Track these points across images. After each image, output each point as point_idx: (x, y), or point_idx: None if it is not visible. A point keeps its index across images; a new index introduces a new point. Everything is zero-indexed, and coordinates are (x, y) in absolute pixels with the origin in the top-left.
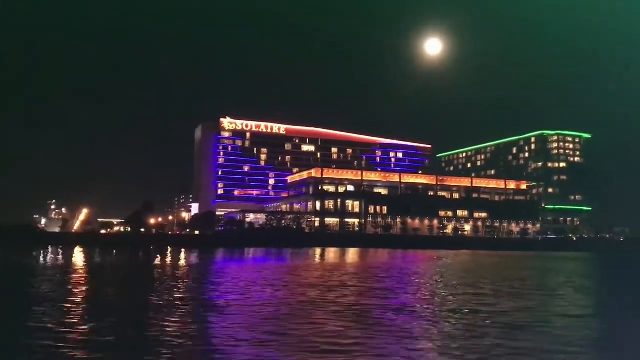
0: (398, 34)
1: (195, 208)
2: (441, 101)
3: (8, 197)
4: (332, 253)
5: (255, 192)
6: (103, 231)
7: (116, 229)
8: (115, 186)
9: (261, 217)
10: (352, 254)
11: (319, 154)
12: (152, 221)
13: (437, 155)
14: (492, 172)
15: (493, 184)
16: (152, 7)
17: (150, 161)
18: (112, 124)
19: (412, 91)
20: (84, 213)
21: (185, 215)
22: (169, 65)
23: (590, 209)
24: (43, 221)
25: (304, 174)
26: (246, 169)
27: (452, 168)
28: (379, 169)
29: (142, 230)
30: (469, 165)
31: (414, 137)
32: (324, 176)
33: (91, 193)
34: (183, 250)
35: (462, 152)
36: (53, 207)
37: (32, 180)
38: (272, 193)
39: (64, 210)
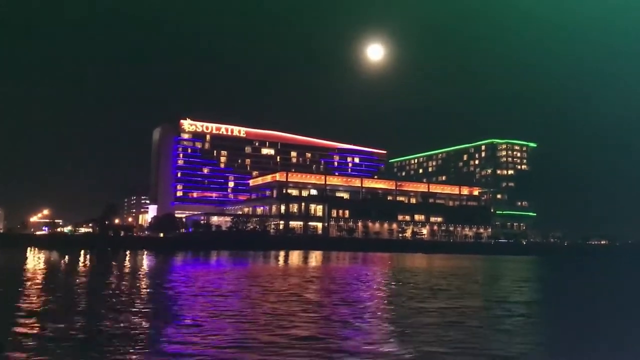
0: (339, 38)
1: (152, 210)
2: (387, 107)
3: None
4: (296, 256)
5: (214, 195)
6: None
7: (82, 230)
8: (60, 186)
9: (226, 220)
10: (316, 257)
11: (278, 158)
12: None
13: (390, 161)
14: (444, 177)
15: (448, 189)
16: (116, 4)
17: (102, 161)
18: (61, 121)
19: (356, 96)
20: (43, 213)
21: (145, 217)
22: (127, 64)
23: (535, 214)
24: None
25: (268, 178)
26: (205, 171)
27: (403, 173)
28: (337, 173)
29: (110, 232)
30: (420, 170)
31: (367, 142)
32: (288, 180)
33: (38, 193)
34: (146, 253)
35: (414, 158)
36: None
37: None
38: (231, 196)
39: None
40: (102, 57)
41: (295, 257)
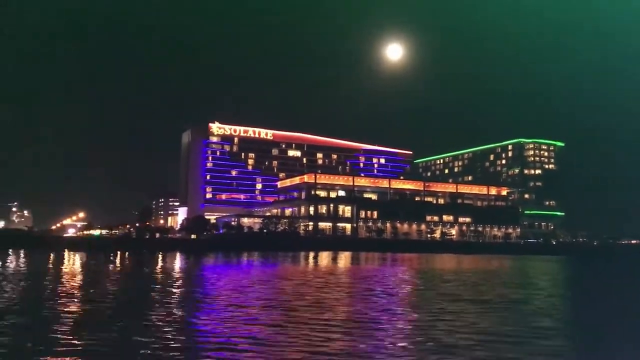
0: (360, 39)
1: (182, 212)
2: (411, 107)
3: None
4: (330, 257)
5: (242, 196)
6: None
7: (109, 232)
8: (92, 190)
9: (255, 222)
10: (346, 258)
11: (304, 159)
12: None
13: (415, 161)
14: (470, 177)
15: (476, 189)
16: (143, 10)
17: (131, 165)
18: (93, 126)
19: (379, 97)
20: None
21: (176, 219)
22: (155, 70)
23: (563, 214)
24: (1, 223)
25: (296, 179)
26: (234, 173)
27: (429, 174)
28: (363, 174)
29: (146, 234)
30: (446, 171)
31: (392, 142)
32: (316, 181)
33: (69, 197)
34: (178, 254)
35: (440, 158)
36: (14, 209)
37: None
38: (259, 197)
39: (25, 212)
40: (132, 61)
41: (329, 258)
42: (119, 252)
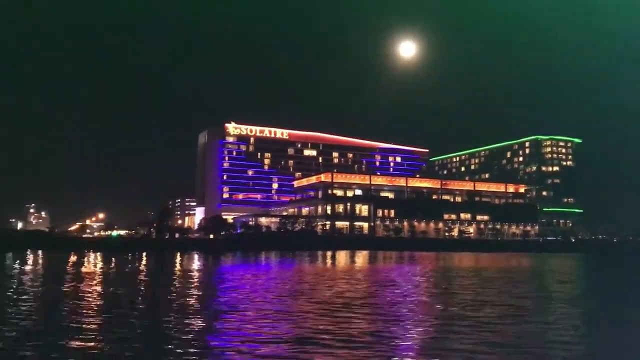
0: (371, 37)
1: (199, 212)
2: (425, 105)
3: None
4: (350, 256)
5: (259, 196)
6: (118, 233)
7: (123, 232)
8: (109, 191)
9: (272, 221)
10: (366, 257)
11: (320, 159)
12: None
13: (430, 159)
14: (487, 175)
15: (493, 187)
16: (156, 10)
17: (147, 166)
18: (107, 127)
19: (394, 95)
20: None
21: (193, 219)
22: (169, 70)
23: (581, 210)
24: (19, 224)
25: (313, 179)
26: (250, 173)
27: (445, 172)
28: (379, 173)
29: (166, 234)
30: (462, 168)
31: (407, 141)
32: (333, 181)
33: (85, 198)
34: (196, 254)
35: (456, 156)
36: (32, 210)
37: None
38: (275, 197)
39: (43, 214)
40: (149, 62)
41: (349, 257)
42: (141, 253)
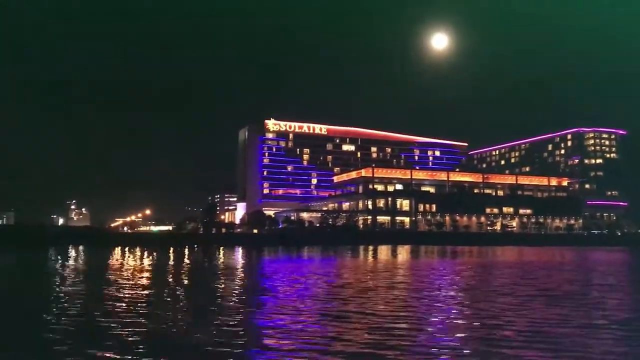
0: (400, 32)
1: (240, 207)
2: (462, 97)
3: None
4: (395, 251)
5: (298, 191)
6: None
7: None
8: (151, 188)
9: (312, 216)
10: (413, 252)
11: (359, 153)
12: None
13: (469, 153)
14: (527, 168)
15: (536, 181)
16: (200, 10)
17: (187, 163)
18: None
19: (430, 88)
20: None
21: (234, 214)
22: (210, 69)
23: (626, 204)
24: (60, 221)
25: (353, 174)
26: (289, 168)
27: (484, 165)
28: (417, 167)
29: (213, 229)
30: (502, 162)
31: (444, 134)
32: (374, 175)
33: (125, 195)
34: (240, 248)
35: (495, 150)
36: (73, 207)
37: (54, 181)
38: (314, 192)
39: (84, 210)
40: (189, 62)
41: (408, 252)
42: (191, 247)
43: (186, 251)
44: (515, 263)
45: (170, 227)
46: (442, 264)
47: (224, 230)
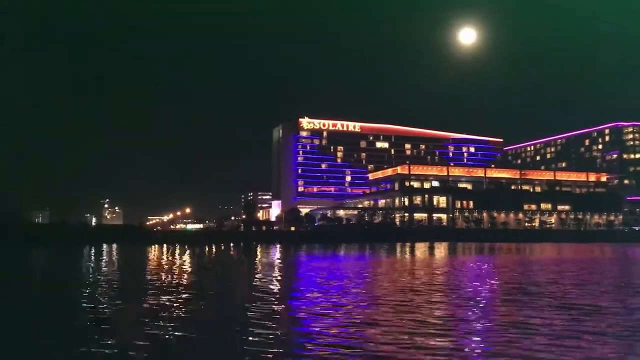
0: (424, 26)
1: (275, 205)
2: (494, 92)
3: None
4: (434, 249)
5: (333, 189)
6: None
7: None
8: (185, 187)
9: (347, 213)
10: (456, 250)
11: (392, 151)
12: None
13: (504, 149)
14: (564, 164)
15: (574, 176)
16: (233, 9)
17: (221, 162)
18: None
19: (461, 84)
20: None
21: (269, 212)
22: (243, 69)
23: None
24: (93, 220)
25: (389, 171)
26: (324, 166)
27: (519, 161)
28: (452, 164)
29: (253, 227)
30: (538, 157)
31: (478, 130)
32: (410, 172)
33: (157, 194)
34: (278, 246)
35: (530, 145)
36: (106, 205)
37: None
38: (349, 189)
39: (116, 209)
40: (224, 62)
41: (441, 249)
42: (236, 244)
43: (231, 248)
44: (581, 259)
45: (201, 225)
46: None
47: (264, 228)
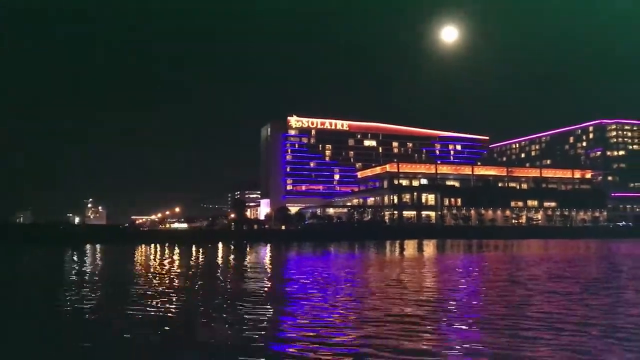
0: (408, 25)
1: (264, 204)
2: (478, 90)
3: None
4: (424, 246)
5: (321, 187)
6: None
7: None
8: (169, 186)
9: (337, 211)
10: (445, 247)
11: (380, 149)
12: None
13: (489, 146)
14: (548, 161)
15: (559, 173)
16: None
17: (207, 161)
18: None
19: (445, 82)
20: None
21: (257, 211)
22: (232, 68)
23: None
24: (77, 219)
25: (377, 169)
26: (312, 165)
27: (504, 159)
28: (439, 162)
29: (244, 226)
30: (522, 155)
31: (464, 128)
32: (399, 170)
33: (142, 193)
34: (269, 245)
35: (515, 143)
36: (90, 205)
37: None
38: (337, 188)
39: (100, 208)
40: (211, 61)
41: (431, 245)
42: (224, 243)
43: (220, 247)
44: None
45: (185, 225)
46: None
47: (255, 227)
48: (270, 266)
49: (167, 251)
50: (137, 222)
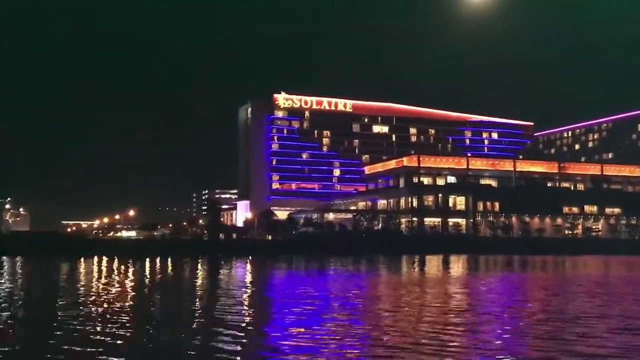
0: None
1: (241, 206)
2: (516, 65)
3: None
4: (450, 264)
5: (316, 186)
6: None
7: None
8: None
9: (339, 217)
10: (479, 265)
11: (393, 137)
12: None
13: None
14: (609, 155)
15: (626, 171)
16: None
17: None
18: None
19: (469, 53)
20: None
21: (232, 215)
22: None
23: None
24: None
25: (391, 163)
26: (305, 156)
27: (554, 151)
28: (469, 154)
29: (220, 235)
30: (577, 147)
31: (498, 111)
32: (420, 165)
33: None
34: (249, 261)
35: (567, 131)
36: (8, 206)
37: None
38: (337, 187)
39: (21, 211)
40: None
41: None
42: (193, 258)
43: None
44: None
45: (134, 233)
46: None
47: (234, 236)
48: (248, 298)
49: (102, 269)
50: (68, 229)
